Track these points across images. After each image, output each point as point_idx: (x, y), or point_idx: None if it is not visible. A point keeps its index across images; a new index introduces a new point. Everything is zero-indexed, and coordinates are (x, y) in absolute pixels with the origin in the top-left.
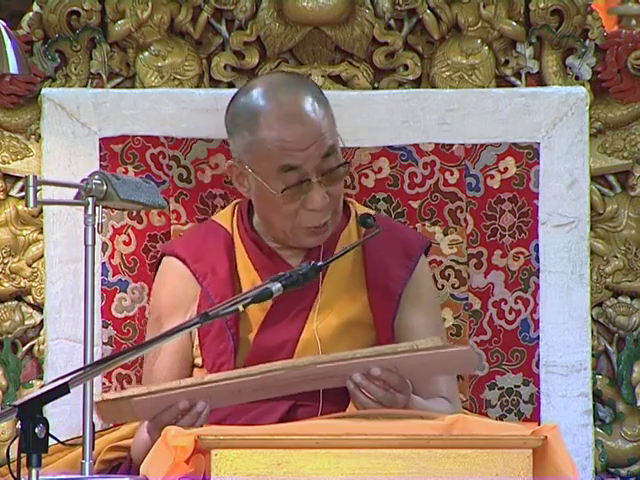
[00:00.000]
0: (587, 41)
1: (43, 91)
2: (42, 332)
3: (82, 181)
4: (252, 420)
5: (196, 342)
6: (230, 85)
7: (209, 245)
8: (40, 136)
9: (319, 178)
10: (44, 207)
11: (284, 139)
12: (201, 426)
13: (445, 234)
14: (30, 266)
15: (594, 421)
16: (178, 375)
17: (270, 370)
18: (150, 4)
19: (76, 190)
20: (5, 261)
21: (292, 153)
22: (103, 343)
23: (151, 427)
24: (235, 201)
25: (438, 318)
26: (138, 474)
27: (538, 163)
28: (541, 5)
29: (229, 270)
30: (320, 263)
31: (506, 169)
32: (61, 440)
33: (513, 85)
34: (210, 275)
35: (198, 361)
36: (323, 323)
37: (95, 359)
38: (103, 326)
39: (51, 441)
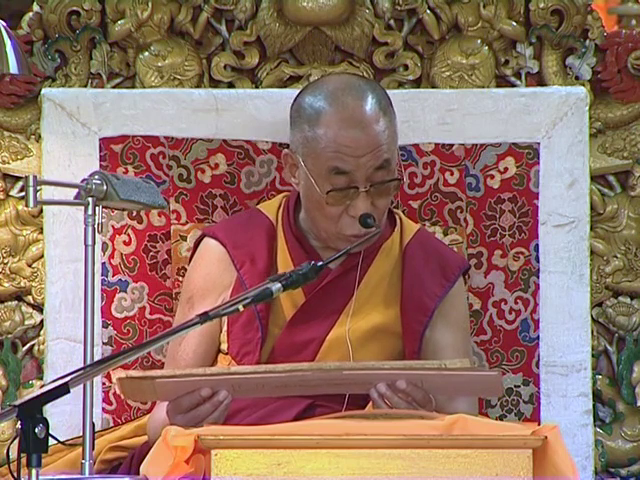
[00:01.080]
0: (587, 41)
1: (43, 91)
2: (42, 332)
3: (82, 181)
4: (267, 415)
5: (224, 328)
6: (230, 85)
7: (251, 233)
8: (40, 136)
9: (367, 188)
10: (44, 207)
11: (340, 142)
12: (220, 420)
13: (445, 234)
14: (30, 266)
15: (594, 421)
16: (203, 357)
17: (296, 370)
18: (150, 4)
19: (76, 190)
20: (5, 261)
21: (345, 157)
22: (103, 343)
23: (171, 409)
24: (283, 194)
25: (467, 340)
26: (138, 474)
27: (538, 163)
28: (541, 5)
29: (268, 262)
30: (320, 263)
31: (506, 169)
32: (61, 440)
33: (513, 85)
34: (248, 264)
35: (224, 347)
36: (354, 327)
37: (95, 359)
38: (103, 326)
39: (51, 441)
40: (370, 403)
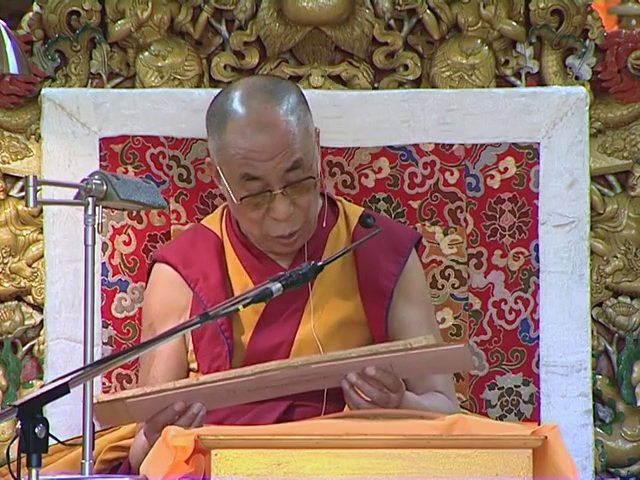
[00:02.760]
0: (587, 41)
1: (43, 91)
2: (42, 332)
3: (82, 181)
4: (250, 420)
5: (190, 347)
6: None
7: (199, 250)
8: (40, 136)
9: (282, 190)
10: (44, 207)
11: (247, 147)
12: (198, 427)
13: (445, 234)
14: (30, 266)
15: (594, 421)
16: (174, 380)
17: (265, 370)
18: (150, 4)
19: (76, 190)
20: (5, 261)
21: (254, 163)
22: (103, 343)
23: (147, 429)
24: (223, 204)
25: (431, 312)
26: (138, 474)
27: (538, 163)
28: (541, 5)
29: (220, 275)
30: (320, 263)
31: (506, 169)
32: (61, 440)
33: (513, 85)
34: (202, 281)
35: (194, 366)
36: (318, 323)
37: (95, 359)
38: (103, 326)
39: (51, 441)
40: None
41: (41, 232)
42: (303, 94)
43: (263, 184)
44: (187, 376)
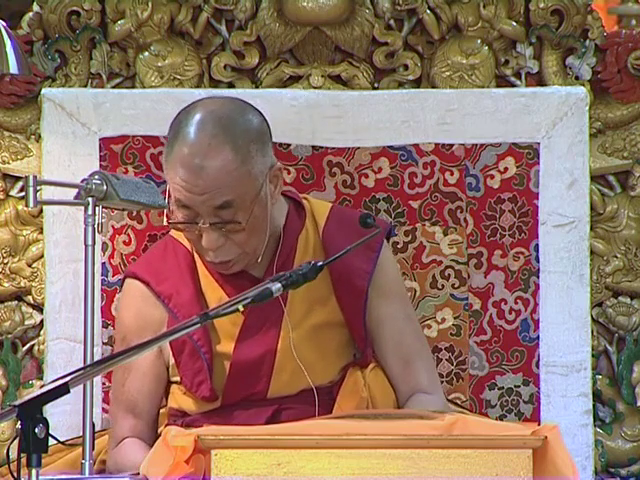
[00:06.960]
0: (587, 41)
1: (43, 91)
2: (42, 332)
3: (82, 181)
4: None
5: (171, 362)
6: (230, 85)
7: (170, 265)
8: (40, 136)
9: (209, 225)
10: (44, 207)
11: (182, 177)
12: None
13: (445, 234)
14: (30, 266)
15: (594, 421)
16: (149, 396)
17: None
18: (150, 4)
19: (76, 190)
20: (5, 261)
21: (185, 193)
22: (103, 343)
23: None
24: None
25: (407, 304)
26: (138, 474)
27: (538, 163)
28: (541, 5)
29: (193, 290)
30: (320, 263)
31: (506, 169)
32: (61, 440)
33: (513, 85)
34: (175, 296)
35: (176, 379)
36: (295, 330)
37: (95, 359)
38: (103, 326)
39: (51, 441)
40: (336, 404)
41: (41, 232)
42: (266, 131)
43: (193, 214)
44: (165, 390)
